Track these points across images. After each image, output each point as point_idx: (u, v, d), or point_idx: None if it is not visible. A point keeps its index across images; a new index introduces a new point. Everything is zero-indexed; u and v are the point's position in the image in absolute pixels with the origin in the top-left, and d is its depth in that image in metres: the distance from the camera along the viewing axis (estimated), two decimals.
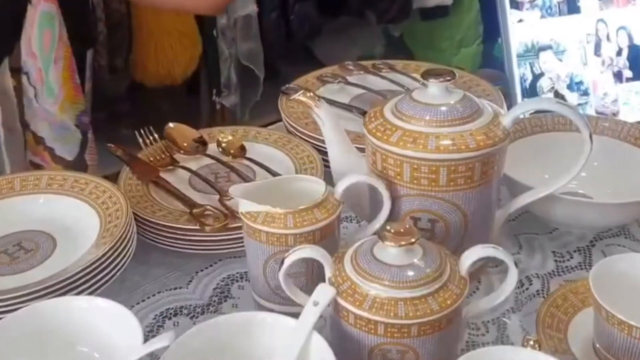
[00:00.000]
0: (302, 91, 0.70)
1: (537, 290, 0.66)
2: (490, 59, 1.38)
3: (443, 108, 0.62)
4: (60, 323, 0.56)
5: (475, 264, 0.61)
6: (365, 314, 0.52)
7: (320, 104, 0.68)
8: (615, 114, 1.02)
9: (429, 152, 0.60)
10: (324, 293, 0.54)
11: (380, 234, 0.54)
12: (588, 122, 0.62)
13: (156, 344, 0.50)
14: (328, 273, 0.56)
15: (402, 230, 0.54)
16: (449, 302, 0.52)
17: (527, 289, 0.66)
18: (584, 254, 0.71)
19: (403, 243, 0.53)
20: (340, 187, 0.63)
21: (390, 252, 0.54)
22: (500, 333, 0.62)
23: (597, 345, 0.57)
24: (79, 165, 1.06)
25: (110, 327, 0.56)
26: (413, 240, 0.54)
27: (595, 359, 0.57)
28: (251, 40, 1.77)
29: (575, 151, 0.64)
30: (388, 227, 0.54)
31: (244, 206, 0.61)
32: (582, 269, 0.69)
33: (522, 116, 0.83)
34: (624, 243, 0.72)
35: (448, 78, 0.62)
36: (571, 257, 0.71)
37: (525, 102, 0.63)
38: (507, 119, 0.62)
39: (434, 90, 0.63)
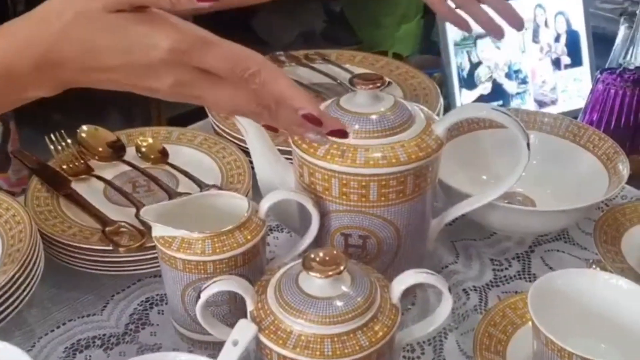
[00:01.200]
0: None
1: (475, 306, 0.63)
2: (429, 43, 1.34)
3: (373, 117, 0.57)
4: None
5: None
6: (290, 354, 0.48)
7: None
8: (554, 102, 1.00)
9: (358, 167, 0.55)
10: (244, 331, 0.49)
11: (304, 264, 0.50)
12: (525, 131, 0.58)
13: None
14: (250, 306, 0.51)
15: (327, 258, 0.50)
16: (379, 335, 0.49)
17: (464, 303, 0.63)
18: (522, 262, 0.68)
19: (330, 273, 0.49)
20: (265, 205, 0.58)
21: (315, 282, 0.49)
22: (437, 354, 0.58)
23: None
24: (1, 157, 0.97)
25: None
26: (341, 269, 0.49)
27: None
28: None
29: (513, 148, 0.60)
30: (313, 256, 0.50)
31: (158, 230, 0.56)
32: (521, 278, 0.66)
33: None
34: (564, 248, 0.70)
35: (378, 84, 0.58)
36: (510, 266, 0.68)
37: (460, 109, 0.60)
38: (440, 128, 0.58)
39: (363, 98, 0.58)
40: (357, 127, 0.57)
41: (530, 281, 0.65)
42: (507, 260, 0.68)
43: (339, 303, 0.49)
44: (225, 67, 0.45)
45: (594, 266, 0.65)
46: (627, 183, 0.73)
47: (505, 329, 0.58)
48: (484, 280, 0.66)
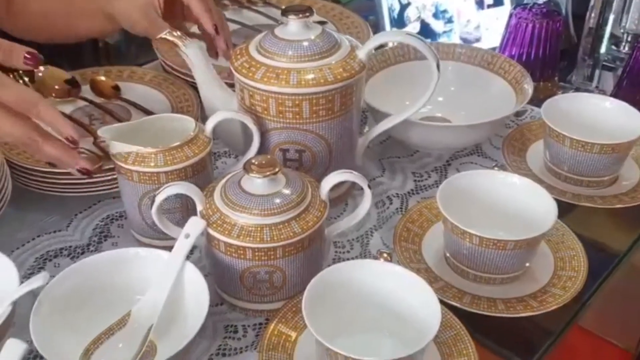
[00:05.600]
0: (167, 30, 0.71)
1: (397, 208, 0.73)
2: None
3: (304, 43, 0.65)
4: None
5: (340, 188, 0.66)
6: (234, 242, 0.56)
7: (188, 43, 0.70)
8: (478, 40, 1.08)
9: (291, 87, 0.63)
10: (194, 225, 0.57)
11: (245, 167, 0.58)
12: (435, 53, 0.67)
13: (32, 284, 0.52)
14: (199, 207, 0.59)
15: (264, 162, 0.58)
16: (310, 223, 0.57)
17: (387, 207, 0.73)
18: (440, 173, 0.78)
19: (267, 174, 0.57)
20: (210, 124, 0.66)
21: (256, 182, 0.58)
22: (364, 249, 0.68)
23: (447, 254, 0.64)
24: None
25: None
26: (276, 170, 0.57)
27: (445, 266, 0.64)
28: None
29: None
30: (253, 161, 0.58)
31: (115, 147, 0.63)
32: (437, 186, 0.75)
33: (390, 43, 0.88)
34: (477, 161, 0.80)
35: (307, 14, 0.65)
36: (429, 177, 0.77)
37: (378, 36, 0.67)
38: (362, 52, 0.66)
39: (294, 27, 0.65)
40: (290, 52, 0.64)
41: None
42: (427, 173, 0.78)
43: (275, 199, 0.57)
44: (12, 101, 0.58)
45: (496, 168, 0.75)
46: (537, 106, 0.83)
47: (422, 224, 0.68)
48: (406, 189, 0.75)
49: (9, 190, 0.69)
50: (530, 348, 0.60)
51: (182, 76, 0.86)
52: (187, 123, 0.66)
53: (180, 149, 0.63)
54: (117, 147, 0.63)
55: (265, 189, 0.58)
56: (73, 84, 0.84)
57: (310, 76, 0.63)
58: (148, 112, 0.80)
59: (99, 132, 0.63)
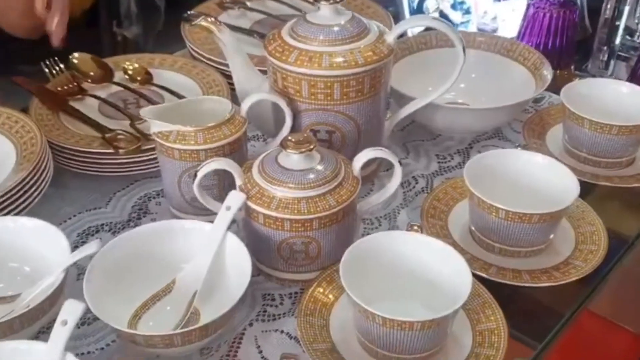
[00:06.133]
0: (202, 17, 0.74)
1: (422, 188, 0.76)
2: None
3: (335, 28, 0.68)
4: None
5: (368, 167, 0.69)
6: (273, 213, 0.59)
7: (223, 28, 0.73)
8: (494, 31, 1.11)
9: (323, 70, 0.66)
10: (235, 198, 0.61)
11: (282, 144, 0.61)
12: (461, 37, 0.69)
13: (84, 251, 0.56)
14: (238, 181, 0.62)
15: (301, 139, 0.61)
16: (344, 197, 0.60)
17: (413, 187, 0.76)
18: (463, 155, 0.81)
19: (303, 150, 0.60)
20: (245, 105, 0.69)
21: (292, 158, 0.61)
22: (391, 225, 0.71)
23: (472, 228, 0.67)
24: None
25: (38, 243, 0.60)
26: (311, 147, 0.60)
27: (471, 241, 0.67)
28: None
29: (456, 64, 0.72)
30: (289, 137, 0.61)
31: (156, 126, 0.66)
32: (461, 167, 0.79)
33: (410, 33, 0.91)
34: (498, 144, 0.83)
35: (337, 0, 0.68)
36: (452, 159, 0.80)
37: (406, 21, 0.70)
38: (390, 37, 0.69)
39: (326, 12, 0.68)
40: (321, 37, 0.67)
41: None
42: (450, 155, 0.81)
43: (311, 174, 0.60)
44: None
45: (519, 148, 0.77)
46: (555, 93, 0.86)
47: (447, 202, 0.71)
48: (430, 170, 0.78)
49: (51, 170, 0.72)
50: (542, 330, 0.61)
51: (211, 63, 0.89)
52: (223, 105, 0.69)
53: (219, 128, 0.66)
54: (159, 126, 0.66)
55: (301, 165, 0.61)
56: (106, 70, 0.88)
57: (342, 59, 0.66)
58: (180, 97, 0.83)
59: (142, 112, 0.66)
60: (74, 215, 0.72)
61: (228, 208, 0.60)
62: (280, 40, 0.69)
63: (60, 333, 0.48)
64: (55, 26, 0.64)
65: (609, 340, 1.22)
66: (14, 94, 0.85)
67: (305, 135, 0.61)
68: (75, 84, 0.85)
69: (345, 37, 0.67)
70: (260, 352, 0.57)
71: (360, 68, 0.66)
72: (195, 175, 0.62)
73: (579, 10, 1.00)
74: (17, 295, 0.58)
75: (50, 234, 0.59)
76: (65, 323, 0.49)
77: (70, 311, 0.49)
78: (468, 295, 0.52)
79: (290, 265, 0.62)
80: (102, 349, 0.58)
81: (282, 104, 0.69)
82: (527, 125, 0.81)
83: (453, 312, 0.51)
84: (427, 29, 0.97)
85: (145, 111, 0.66)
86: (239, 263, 0.58)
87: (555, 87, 0.83)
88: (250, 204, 0.60)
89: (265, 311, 0.61)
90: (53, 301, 0.55)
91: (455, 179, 0.73)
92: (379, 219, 0.71)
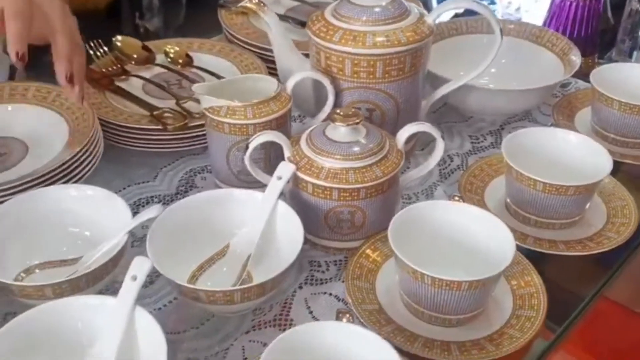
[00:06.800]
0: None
1: (458, 165, 0.78)
2: None
3: (377, 9, 0.71)
4: (51, 208, 0.63)
5: (405, 146, 0.72)
6: (322, 183, 0.62)
7: (267, 10, 0.76)
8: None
9: (367, 48, 0.69)
10: (285, 168, 0.64)
11: (331, 117, 0.64)
12: (497, 19, 0.72)
13: (146, 215, 0.59)
14: (287, 153, 0.65)
15: (349, 113, 0.64)
16: (390, 169, 0.63)
17: (449, 165, 0.79)
18: (495, 136, 0.84)
19: (350, 123, 0.63)
20: (291, 83, 0.72)
21: (340, 131, 0.64)
22: (429, 200, 0.74)
23: (508, 201, 0.70)
24: None
25: (98, 210, 0.63)
26: (358, 120, 0.63)
27: (507, 215, 0.70)
28: None
29: (485, 50, 0.75)
30: (338, 111, 0.64)
31: (207, 102, 0.69)
32: (494, 147, 0.82)
33: (442, 17, 0.94)
34: (527, 126, 0.85)
35: None
36: (484, 139, 0.83)
37: (445, 3, 0.73)
38: (430, 18, 0.72)
39: None
40: (364, 17, 0.70)
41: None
42: (483, 136, 0.84)
43: (358, 146, 0.63)
44: None
45: (552, 126, 0.80)
46: (580, 79, 0.89)
47: (483, 178, 0.74)
48: (464, 150, 0.81)
49: (102, 145, 0.75)
50: (562, 315, 0.62)
51: (249, 47, 0.92)
52: (269, 83, 0.72)
53: (267, 103, 0.69)
54: (209, 102, 0.69)
55: (348, 137, 0.64)
56: (149, 53, 0.91)
57: (385, 38, 0.69)
58: (220, 78, 0.86)
59: (194, 88, 0.69)
60: (124, 188, 0.75)
61: (279, 178, 0.63)
62: (324, 20, 0.72)
63: (130, 288, 0.52)
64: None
65: (627, 327, 1.24)
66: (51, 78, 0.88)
67: (353, 109, 0.64)
68: (118, 65, 0.89)
69: (387, 18, 0.70)
70: (311, 312, 0.60)
71: (403, 47, 0.69)
72: (247, 147, 0.65)
73: (603, 0, 1.02)
74: (78, 258, 0.62)
75: (111, 201, 0.62)
76: (134, 278, 0.52)
77: (139, 267, 0.52)
78: (513, 257, 0.55)
79: (336, 234, 0.65)
80: (160, 309, 0.61)
81: (326, 81, 0.72)
82: (557, 108, 0.84)
83: (499, 273, 0.54)
84: (456, 15, 1.00)
85: (197, 87, 0.69)
86: (290, 229, 0.61)
87: (580, 74, 0.86)
88: (299, 174, 0.63)
89: (312, 276, 0.64)
90: (115, 262, 0.58)
91: (490, 157, 0.76)
92: (417, 195, 0.74)
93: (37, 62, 1.06)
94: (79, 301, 0.53)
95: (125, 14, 1.92)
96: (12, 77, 1.09)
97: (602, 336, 1.08)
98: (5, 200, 0.63)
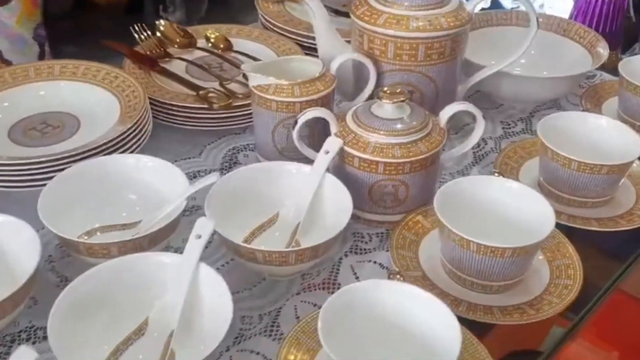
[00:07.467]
0: None
1: (491, 148, 0.82)
2: None
3: None
4: (112, 175, 0.66)
5: (449, 122, 0.75)
6: (368, 157, 0.65)
7: None
8: None
9: (410, 32, 0.72)
10: (333, 143, 0.67)
11: (377, 95, 0.67)
12: (534, 8, 0.76)
13: (204, 182, 0.62)
14: (334, 129, 0.68)
15: (395, 91, 0.67)
16: (433, 145, 0.67)
17: (482, 147, 0.82)
18: (525, 122, 0.87)
19: (396, 100, 0.66)
20: (335, 63, 0.75)
21: (385, 108, 0.67)
22: None
23: (541, 179, 0.73)
24: None
25: (156, 178, 0.66)
26: (403, 98, 0.67)
27: (539, 191, 0.73)
28: None
29: (515, 41, 0.79)
30: (384, 89, 0.67)
31: (255, 80, 0.72)
32: (525, 133, 0.85)
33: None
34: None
35: None
36: (515, 125, 0.86)
37: None
38: (470, 6, 0.75)
39: None
40: (407, 3, 0.73)
41: (533, 134, 0.84)
42: (514, 122, 0.87)
43: (401, 124, 0.66)
44: None
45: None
46: (606, 73, 0.92)
47: (517, 160, 0.77)
48: (497, 134, 0.84)
49: (151, 123, 0.79)
50: (579, 303, 0.62)
51: (286, 34, 0.95)
52: (314, 65, 0.75)
53: (312, 83, 0.72)
54: (257, 80, 0.72)
55: (394, 114, 0.67)
56: (191, 37, 0.94)
57: (427, 22, 0.72)
58: None
59: (242, 67, 0.73)
60: (172, 163, 0.78)
61: (327, 152, 0.66)
62: (367, 5, 0.75)
63: (195, 246, 0.55)
64: None
65: None
66: (101, 59, 0.91)
67: (399, 89, 0.68)
68: (162, 48, 0.92)
69: (429, 4, 0.73)
70: (357, 278, 0.63)
71: (444, 32, 0.72)
72: (296, 123, 0.68)
73: None
74: (137, 222, 0.65)
75: (168, 170, 0.66)
76: (199, 237, 0.55)
77: (203, 227, 0.55)
78: (553, 226, 0.58)
79: (379, 207, 0.69)
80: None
81: (369, 63, 0.75)
82: (585, 96, 0.87)
83: (542, 240, 0.57)
84: (483, 9, 1.04)
85: (246, 66, 0.73)
86: (337, 199, 0.64)
87: (604, 68, 0.89)
88: (347, 148, 0.66)
89: (357, 246, 0.67)
90: (175, 225, 0.61)
91: (523, 140, 0.79)
92: (453, 175, 0.78)
93: (60, 51, 1.10)
94: (148, 258, 0.56)
95: (148, 7, 1.96)
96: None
97: (617, 326, 1.11)
98: (64, 169, 0.66)
